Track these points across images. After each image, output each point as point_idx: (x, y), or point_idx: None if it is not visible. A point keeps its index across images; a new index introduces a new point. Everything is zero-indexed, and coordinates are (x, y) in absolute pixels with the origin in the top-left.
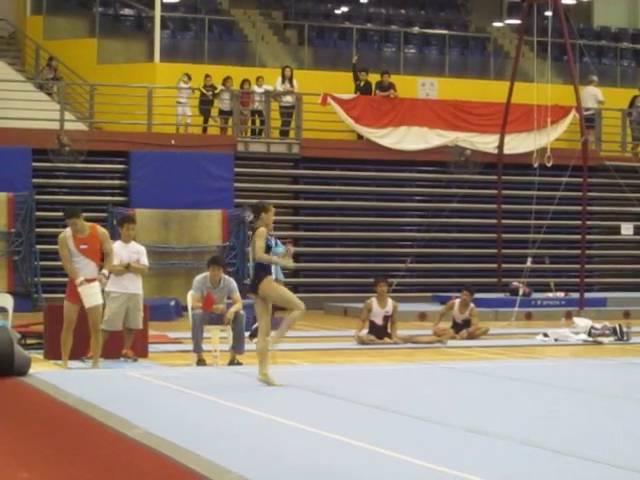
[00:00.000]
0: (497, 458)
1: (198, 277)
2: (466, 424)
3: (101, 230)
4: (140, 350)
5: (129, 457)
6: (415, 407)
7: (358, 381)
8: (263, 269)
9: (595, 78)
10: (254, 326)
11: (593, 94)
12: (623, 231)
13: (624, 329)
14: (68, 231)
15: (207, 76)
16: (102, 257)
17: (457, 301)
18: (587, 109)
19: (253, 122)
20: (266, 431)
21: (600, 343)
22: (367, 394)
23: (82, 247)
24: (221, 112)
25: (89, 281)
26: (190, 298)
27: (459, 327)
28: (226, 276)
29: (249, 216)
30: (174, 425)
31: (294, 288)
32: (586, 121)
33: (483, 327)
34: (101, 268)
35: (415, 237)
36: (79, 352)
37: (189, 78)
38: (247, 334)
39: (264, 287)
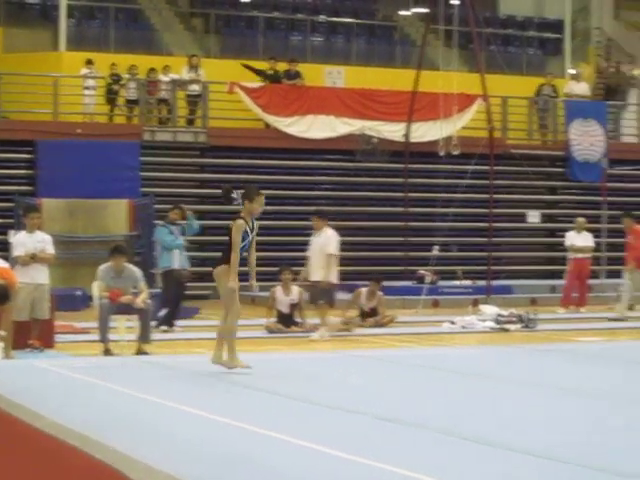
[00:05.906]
0: (407, 446)
1: (102, 267)
2: (376, 412)
3: None
4: (46, 340)
5: (36, 447)
6: (325, 395)
7: (265, 370)
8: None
9: None
10: (159, 314)
11: None
12: (529, 219)
13: (530, 316)
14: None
15: (113, 65)
16: None
17: (364, 290)
18: None
19: (159, 111)
20: (168, 418)
21: (507, 330)
22: (275, 383)
23: None
24: (127, 101)
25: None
26: (95, 287)
27: (366, 315)
28: (130, 265)
29: (237, 200)
30: (81, 415)
31: (199, 278)
32: None
33: (390, 315)
34: None
35: None
36: None
37: (91, 63)
38: (154, 323)
39: (218, 271)
